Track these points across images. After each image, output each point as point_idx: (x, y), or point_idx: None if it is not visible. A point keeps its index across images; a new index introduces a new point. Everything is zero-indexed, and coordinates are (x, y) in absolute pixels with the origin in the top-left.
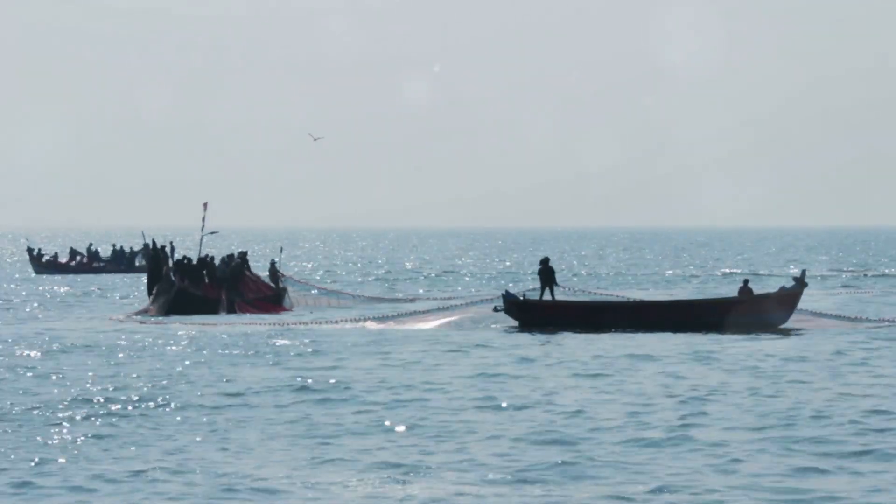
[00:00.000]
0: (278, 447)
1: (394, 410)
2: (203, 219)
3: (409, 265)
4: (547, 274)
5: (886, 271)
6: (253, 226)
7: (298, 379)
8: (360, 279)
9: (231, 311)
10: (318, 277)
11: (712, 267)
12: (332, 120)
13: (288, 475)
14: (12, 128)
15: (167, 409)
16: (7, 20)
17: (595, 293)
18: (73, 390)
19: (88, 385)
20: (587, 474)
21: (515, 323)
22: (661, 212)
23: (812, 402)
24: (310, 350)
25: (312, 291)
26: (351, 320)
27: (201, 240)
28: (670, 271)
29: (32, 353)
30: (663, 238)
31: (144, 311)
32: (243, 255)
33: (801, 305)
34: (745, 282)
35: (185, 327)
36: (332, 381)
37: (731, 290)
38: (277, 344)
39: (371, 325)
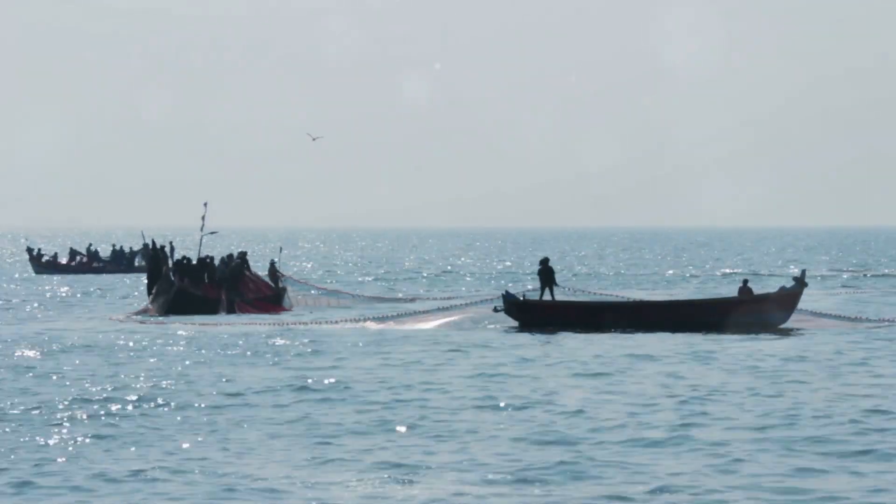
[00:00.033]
0: (278, 447)
1: (394, 410)
2: (203, 218)
3: (409, 265)
4: (547, 274)
5: (886, 271)
6: (253, 226)
7: (298, 379)
8: (360, 279)
9: (231, 311)
10: (317, 277)
11: (712, 267)
12: (332, 120)
13: (288, 475)
14: (12, 128)
15: (167, 409)
16: (7, 20)
17: (595, 293)
18: (73, 390)
19: (88, 385)
20: (587, 474)
21: (515, 323)
22: (661, 212)
23: (812, 402)
24: (310, 350)
25: (312, 291)
26: (351, 320)
27: (201, 240)
28: (670, 271)
29: (32, 353)
30: (663, 238)
31: (144, 311)
32: (243, 255)
33: (801, 305)
34: (745, 282)
35: (184, 327)
36: (332, 381)
37: (731, 290)
38: (277, 344)
39: (371, 325)
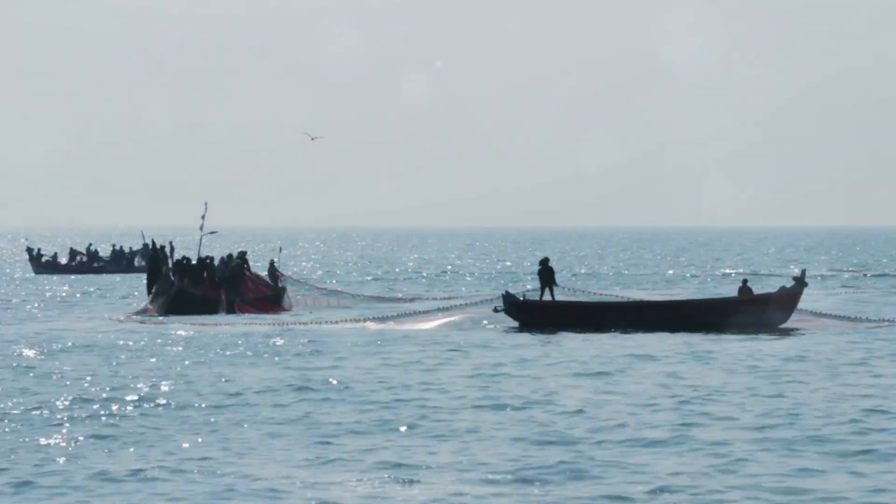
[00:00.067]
0: (278, 447)
1: (394, 410)
2: (203, 218)
3: (409, 265)
4: (546, 274)
5: (886, 271)
6: (253, 226)
7: (298, 379)
8: (359, 279)
9: (230, 311)
10: (317, 277)
11: (712, 267)
12: (332, 120)
13: (288, 475)
14: (12, 128)
15: (167, 409)
16: (7, 20)
17: (595, 293)
18: (73, 390)
19: (88, 385)
20: (587, 474)
21: (515, 323)
22: (661, 212)
23: (812, 402)
24: (310, 350)
25: (312, 291)
26: (351, 320)
27: (200, 239)
28: (670, 271)
29: (32, 353)
30: (663, 238)
31: (143, 311)
32: (242, 255)
33: (801, 305)
34: (744, 281)
35: (184, 327)
36: (332, 381)
37: (731, 290)
38: (277, 344)
39: (371, 325)
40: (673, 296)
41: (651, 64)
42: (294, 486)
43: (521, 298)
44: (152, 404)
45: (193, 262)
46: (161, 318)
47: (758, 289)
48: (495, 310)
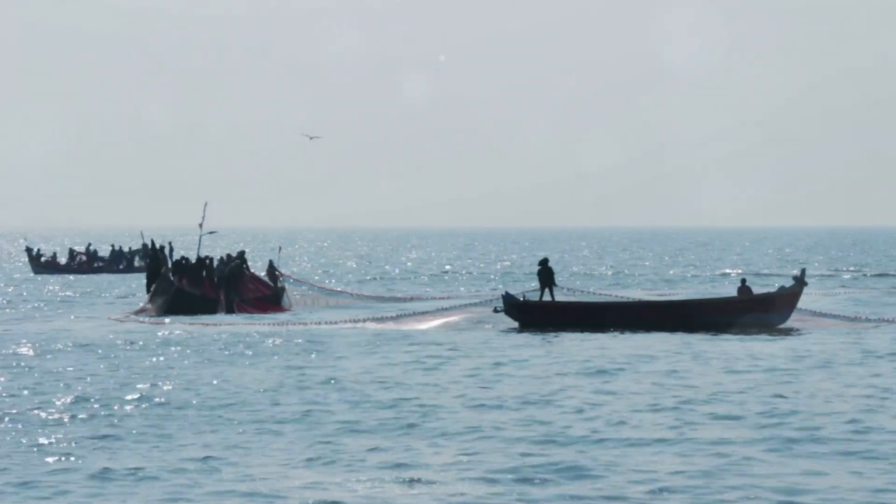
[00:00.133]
0: (278, 447)
1: (394, 410)
2: (202, 218)
3: (409, 265)
4: (546, 274)
5: (886, 271)
6: (253, 226)
7: (298, 379)
8: (359, 279)
9: (230, 310)
10: (316, 277)
11: (712, 267)
12: (332, 120)
13: (288, 475)
14: (12, 128)
15: (167, 409)
16: (7, 20)
17: (595, 293)
18: (72, 390)
19: (88, 385)
20: (587, 474)
21: (515, 324)
22: (661, 212)
23: (812, 402)
24: (309, 350)
25: (311, 291)
26: (350, 320)
27: (200, 239)
28: (670, 271)
29: (32, 353)
30: (663, 238)
31: (142, 311)
32: (241, 254)
33: (800, 305)
34: (743, 281)
35: (183, 327)
36: (332, 380)
37: (730, 290)
38: (277, 344)
39: (371, 325)
40: (673, 296)
41: (651, 64)
42: (294, 486)
43: (521, 299)
44: (152, 404)
45: (192, 261)
46: (160, 317)
47: (758, 289)
48: (495, 310)
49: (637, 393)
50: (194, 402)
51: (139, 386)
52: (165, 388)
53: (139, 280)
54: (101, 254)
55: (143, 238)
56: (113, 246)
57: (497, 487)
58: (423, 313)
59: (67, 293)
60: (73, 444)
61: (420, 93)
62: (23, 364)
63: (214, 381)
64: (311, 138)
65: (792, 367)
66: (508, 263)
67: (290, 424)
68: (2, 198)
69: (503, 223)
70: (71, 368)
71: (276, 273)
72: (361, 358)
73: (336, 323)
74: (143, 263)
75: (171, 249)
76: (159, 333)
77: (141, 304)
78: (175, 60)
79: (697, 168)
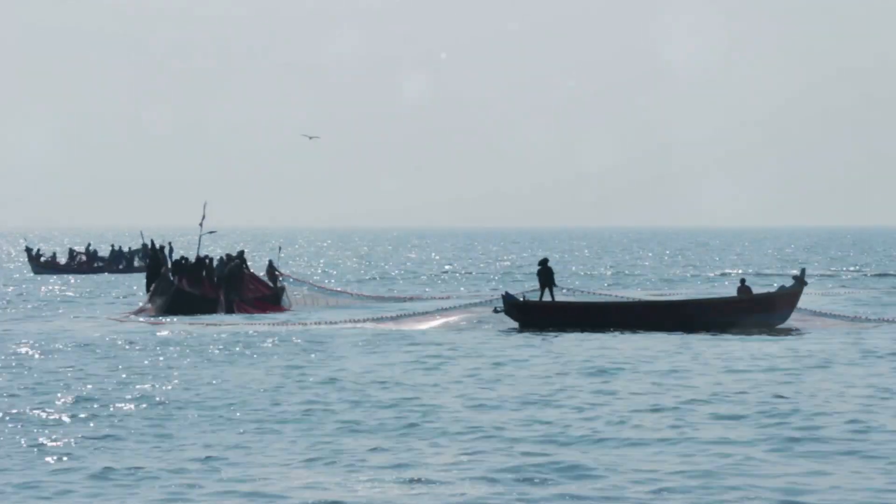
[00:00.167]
0: (278, 447)
1: (393, 410)
2: (202, 218)
3: (408, 265)
4: (546, 275)
5: (886, 271)
6: (253, 226)
7: (298, 379)
8: (359, 279)
9: (229, 310)
10: (316, 277)
11: (712, 267)
12: (332, 120)
13: (288, 475)
14: (12, 128)
15: (166, 409)
16: (7, 20)
17: (595, 293)
18: (72, 390)
19: (88, 385)
20: (587, 474)
21: (515, 324)
22: (661, 212)
23: (812, 402)
24: (309, 350)
25: (311, 291)
26: (350, 320)
27: (199, 238)
28: (670, 271)
29: (32, 353)
30: (663, 238)
31: (142, 311)
32: (241, 254)
33: (800, 305)
34: (742, 281)
35: (183, 327)
36: (332, 380)
37: (730, 290)
38: (276, 344)
39: (370, 325)
40: (673, 296)
41: (651, 64)
42: (294, 486)
43: (521, 299)
44: (152, 404)
45: (192, 261)
46: (160, 317)
47: (758, 288)
48: (495, 310)
49: (637, 393)
50: (194, 402)
51: (139, 386)
52: (165, 388)
53: (139, 280)
54: (101, 254)
55: (142, 238)
56: (113, 246)
57: (497, 487)
58: (423, 313)
59: (67, 293)
60: (74, 444)
61: (420, 93)
62: (23, 364)
63: (214, 381)
64: (310, 138)
65: (792, 367)
66: (508, 263)
67: (291, 424)
68: (2, 198)
69: (503, 223)
70: (71, 368)
71: (276, 273)
72: (361, 358)
73: (336, 323)
74: (142, 263)
75: (171, 249)
76: (159, 333)
77: (140, 304)
78: (175, 60)
79: (697, 168)
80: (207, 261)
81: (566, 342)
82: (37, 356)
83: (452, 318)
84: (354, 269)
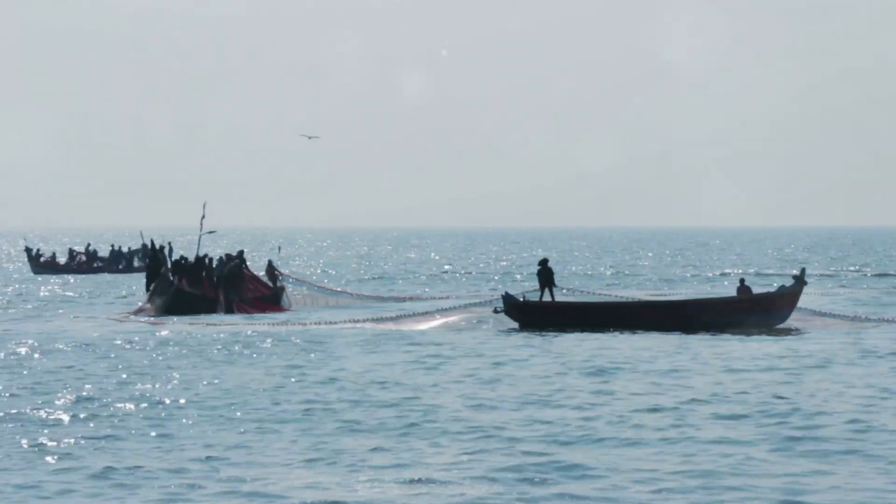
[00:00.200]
0: (278, 447)
1: (394, 410)
2: (202, 218)
3: (407, 265)
4: (546, 275)
5: (886, 271)
6: (253, 226)
7: (297, 379)
8: (359, 279)
9: (229, 310)
10: (315, 277)
11: (712, 267)
12: (332, 120)
13: (288, 475)
14: (12, 128)
15: (165, 409)
16: (7, 20)
17: (595, 293)
18: (72, 390)
19: (88, 385)
20: (587, 474)
21: (515, 324)
22: (661, 212)
23: (811, 402)
24: (309, 350)
25: (311, 291)
26: (350, 320)
27: (199, 238)
28: (670, 271)
29: (32, 354)
30: (663, 238)
31: (141, 311)
32: (241, 254)
33: (800, 304)
34: (742, 281)
35: (183, 327)
36: (332, 380)
37: (730, 290)
38: (276, 344)
39: (370, 325)
40: (673, 296)
41: (651, 64)
42: (294, 486)
43: (521, 299)
44: (151, 404)
45: (192, 261)
46: (159, 317)
47: (757, 288)
48: (495, 310)
49: (637, 393)
50: (194, 402)
51: (139, 386)
52: (165, 388)
53: (139, 280)
54: (100, 254)
55: (142, 238)
56: (113, 246)
57: (497, 487)
58: (423, 313)
59: (67, 293)
60: (74, 444)
61: (420, 93)
62: (23, 364)
63: (214, 381)
64: (309, 138)
65: (792, 367)
66: (507, 263)
67: (291, 424)
68: (2, 198)
69: (503, 223)
70: (70, 368)
71: (276, 273)
72: (361, 358)
73: (336, 323)
74: (142, 263)
75: (171, 250)
76: (159, 333)
77: (140, 304)
78: (175, 60)
79: (697, 168)
80: (207, 261)
81: (566, 342)
82: (37, 356)
83: (452, 319)
84: (354, 270)
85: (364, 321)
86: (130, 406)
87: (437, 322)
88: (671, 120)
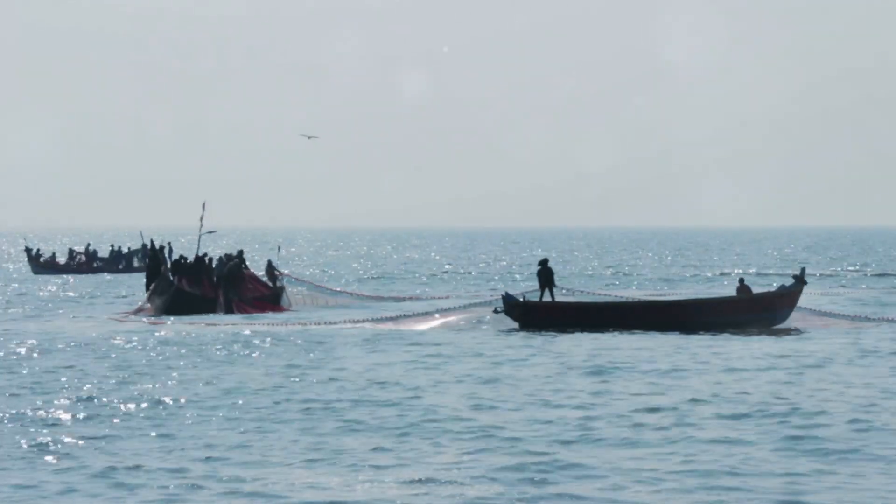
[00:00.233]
0: (278, 447)
1: (393, 410)
2: (202, 218)
3: (407, 265)
4: (546, 275)
5: (886, 271)
6: (253, 226)
7: (297, 379)
8: (359, 279)
9: (229, 310)
10: (316, 277)
11: (712, 267)
12: (332, 120)
13: (287, 475)
14: (12, 128)
15: (165, 409)
16: (7, 20)
17: (595, 293)
18: (71, 390)
19: (88, 385)
20: (587, 474)
21: (515, 324)
22: (661, 212)
23: (811, 402)
24: (309, 350)
25: (311, 291)
26: (350, 320)
27: (199, 238)
28: (670, 271)
29: (31, 353)
30: (663, 238)
31: (141, 311)
32: (240, 254)
33: (800, 304)
34: (741, 280)
35: (182, 327)
36: (331, 380)
37: (730, 290)
38: (275, 344)
39: (370, 326)
40: (673, 296)
41: (651, 64)
42: (294, 486)
43: (521, 299)
44: (152, 404)
45: (191, 261)
46: (159, 317)
47: (758, 288)
48: (495, 311)
49: (637, 393)
50: (194, 401)
51: (139, 386)
52: (165, 387)
53: (139, 280)
54: (100, 254)
55: (142, 238)
56: (112, 246)
57: (497, 487)
58: (423, 313)
59: (67, 293)
60: (74, 444)
61: (420, 93)
62: (23, 364)
63: (214, 381)
64: (309, 138)
65: (792, 367)
66: (506, 263)
67: (291, 424)
68: (2, 198)
69: (503, 223)
70: (69, 368)
71: (276, 272)
72: (361, 358)
73: (336, 323)
74: (142, 263)
75: (171, 250)
76: (158, 333)
77: (139, 304)
78: (175, 60)
79: (697, 168)
80: (207, 260)
81: (566, 342)
82: (37, 356)
83: (452, 319)
84: (354, 269)
85: (364, 321)
86: (130, 406)
87: (437, 322)
88: (671, 120)
